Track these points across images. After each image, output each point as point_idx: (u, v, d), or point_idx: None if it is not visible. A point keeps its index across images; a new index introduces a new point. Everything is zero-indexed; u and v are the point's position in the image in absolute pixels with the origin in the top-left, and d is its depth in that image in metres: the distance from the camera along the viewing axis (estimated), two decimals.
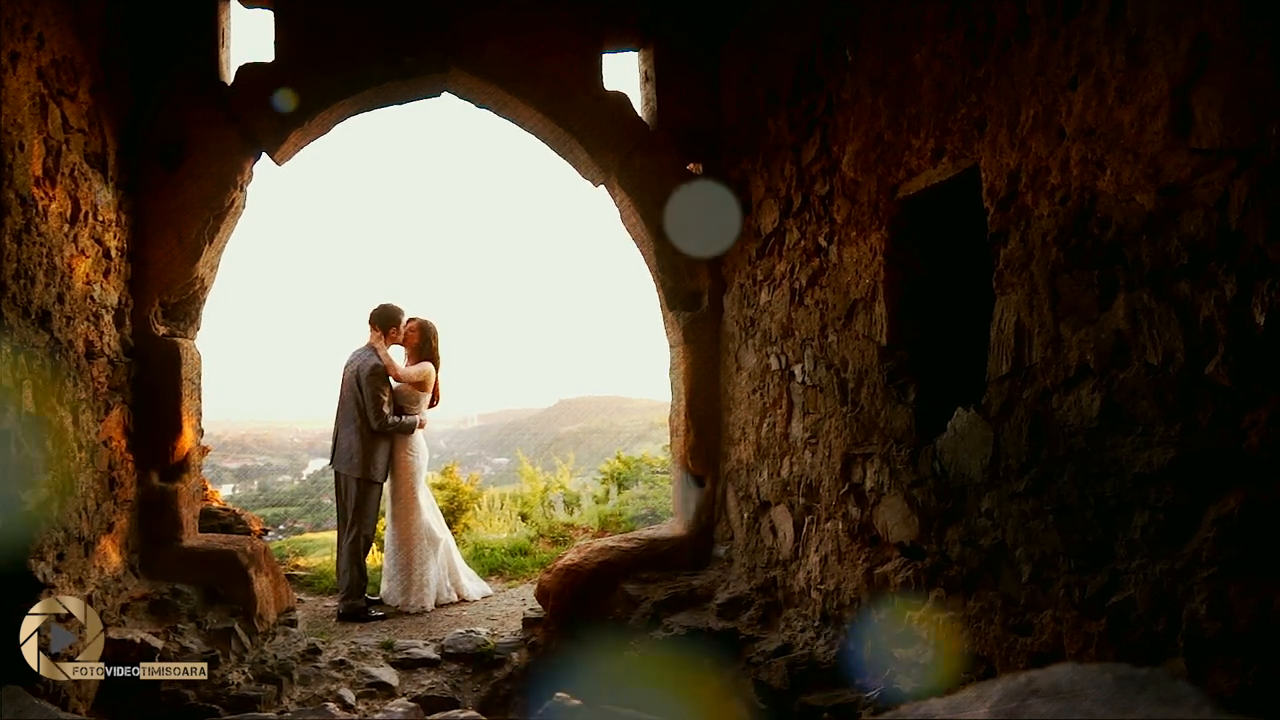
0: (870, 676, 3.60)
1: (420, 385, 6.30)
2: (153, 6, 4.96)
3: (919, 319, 3.62)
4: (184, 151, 4.98)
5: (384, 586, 6.23)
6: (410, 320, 6.41)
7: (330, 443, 6.49)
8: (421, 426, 6.38)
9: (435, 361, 6.40)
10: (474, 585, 6.47)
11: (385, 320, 6.28)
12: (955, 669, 3.07)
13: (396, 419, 6.13)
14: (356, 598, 5.93)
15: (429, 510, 6.27)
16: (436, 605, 6.12)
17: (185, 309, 5.14)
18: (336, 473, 6.26)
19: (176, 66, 5.02)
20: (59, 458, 3.83)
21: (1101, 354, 2.41)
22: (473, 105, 5.73)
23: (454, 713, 4.40)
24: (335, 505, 6.40)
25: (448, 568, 6.32)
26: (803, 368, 4.40)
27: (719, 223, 5.45)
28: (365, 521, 6.07)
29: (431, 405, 6.53)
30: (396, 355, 6.43)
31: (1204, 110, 2.05)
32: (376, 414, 6.01)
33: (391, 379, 6.23)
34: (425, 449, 6.41)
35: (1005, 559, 2.83)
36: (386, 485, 6.31)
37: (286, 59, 5.17)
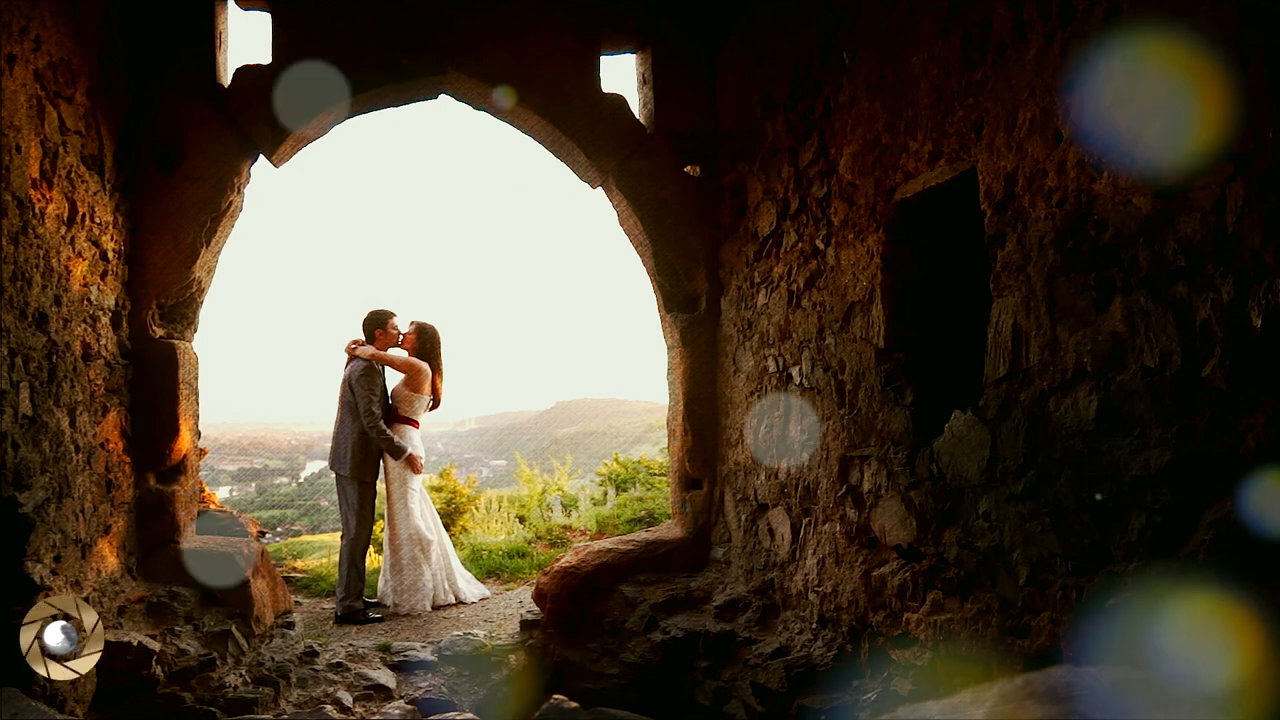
0: (867, 679, 3.60)
1: (412, 384, 6.25)
2: (150, 9, 4.95)
3: (916, 321, 3.62)
4: (181, 154, 4.97)
5: (380, 588, 6.24)
6: (411, 324, 6.42)
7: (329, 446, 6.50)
8: (416, 469, 6.24)
9: (435, 365, 6.37)
10: (471, 588, 6.46)
11: (369, 325, 6.33)
12: (952, 671, 3.07)
13: (388, 433, 6.07)
14: (354, 600, 5.93)
15: (419, 515, 6.24)
16: (434, 608, 6.12)
17: (182, 311, 5.13)
18: (336, 475, 6.26)
19: (174, 68, 5.02)
20: (56, 460, 3.83)
21: (1098, 356, 2.41)
22: (470, 107, 5.74)
23: (451, 715, 4.39)
24: (339, 508, 6.40)
25: (445, 570, 6.31)
26: (800, 370, 4.41)
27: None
28: (362, 523, 6.07)
29: (433, 408, 6.52)
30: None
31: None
32: (366, 413, 6.00)
33: (388, 371, 6.26)
34: (420, 452, 6.39)
35: (1002, 561, 2.83)
36: (381, 487, 6.32)
37: (284, 61, 5.17)
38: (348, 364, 6.27)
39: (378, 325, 6.29)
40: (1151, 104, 2.21)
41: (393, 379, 6.37)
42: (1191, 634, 2.04)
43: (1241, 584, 1.94)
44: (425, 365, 6.27)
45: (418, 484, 6.30)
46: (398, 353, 6.34)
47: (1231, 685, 1.71)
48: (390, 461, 6.16)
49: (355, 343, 6.28)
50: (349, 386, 6.12)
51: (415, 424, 6.31)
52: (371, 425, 6.00)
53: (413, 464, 6.18)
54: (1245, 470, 1.96)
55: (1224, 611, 1.95)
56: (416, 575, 6.10)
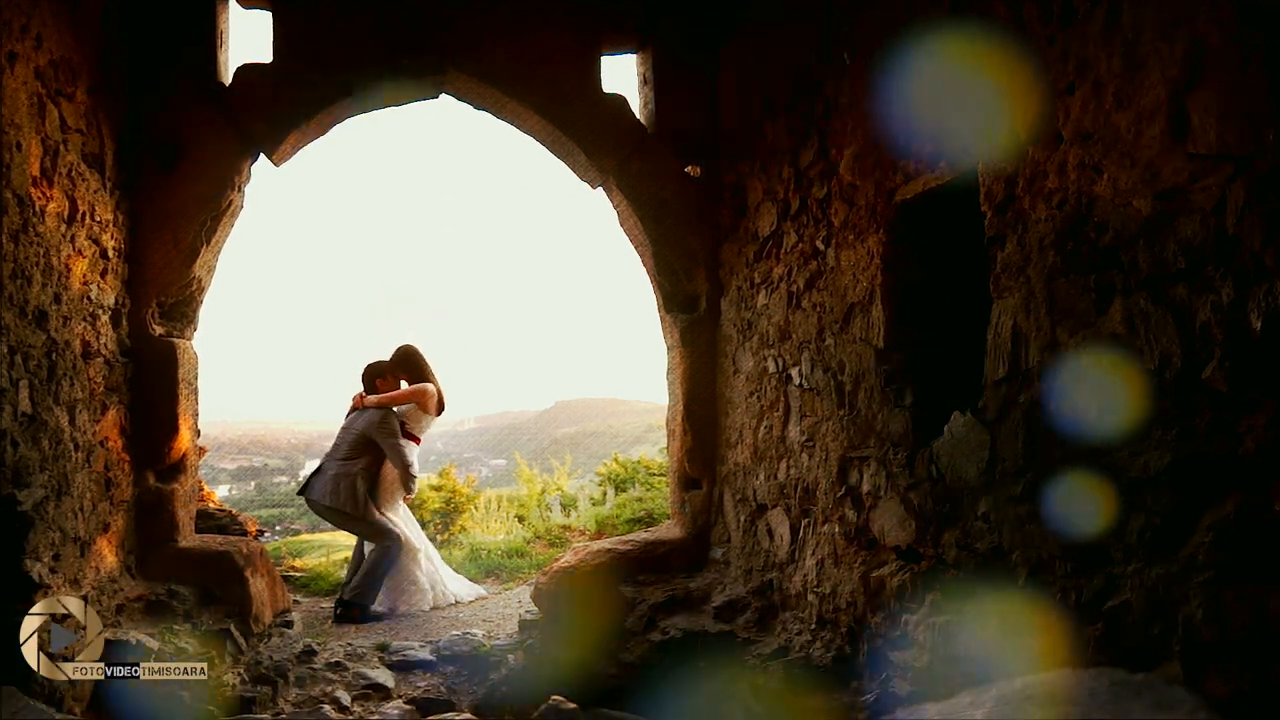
0: (866, 680, 3.60)
1: (423, 406, 6.38)
2: (151, 7, 4.95)
3: (916, 323, 3.62)
4: (181, 152, 4.97)
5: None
6: (393, 355, 6.55)
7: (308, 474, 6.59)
8: (408, 495, 6.48)
9: (430, 377, 6.50)
10: (465, 587, 6.53)
11: (368, 377, 6.54)
12: (951, 673, 3.06)
13: (415, 475, 6.33)
14: (362, 598, 5.95)
15: (403, 523, 6.37)
16: (433, 608, 6.15)
17: (182, 310, 5.13)
18: (332, 509, 6.24)
19: (175, 67, 5.02)
20: (55, 458, 3.82)
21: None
22: (470, 107, 5.74)
23: (449, 715, 4.39)
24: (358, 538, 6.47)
25: (435, 576, 6.38)
26: (800, 370, 4.41)
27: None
28: (395, 537, 6.10)
29: (440, 413, 6.62)
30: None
31: (1200, 115, 2.06)
32: (397, 456, 6.20)
33: (396, 411, 6.37)
34: (417, 467, 6.48)
35: (1002, 562, 2.83)
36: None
37: (285, 60, 5.17)
38: (351, 413, 6.41)
39: (378, 375, 6.53)
40: (1151, 105, 2.21)
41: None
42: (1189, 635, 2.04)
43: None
44: (429, 386, 6.38)
45: (398, 495, 6.43)
46: (399, 392, 6.49)
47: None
48: (386, 478, 6.27)
49: (360, 397, 6.40)
50: (363, 435, 6.21)
51: (418, 440, 6.42)
52: (405, 471, 6.22)
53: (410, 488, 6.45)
54: (1245, 472, 1.96)
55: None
56: (408, 577, 6.14)
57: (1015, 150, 2.76)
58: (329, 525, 7.22)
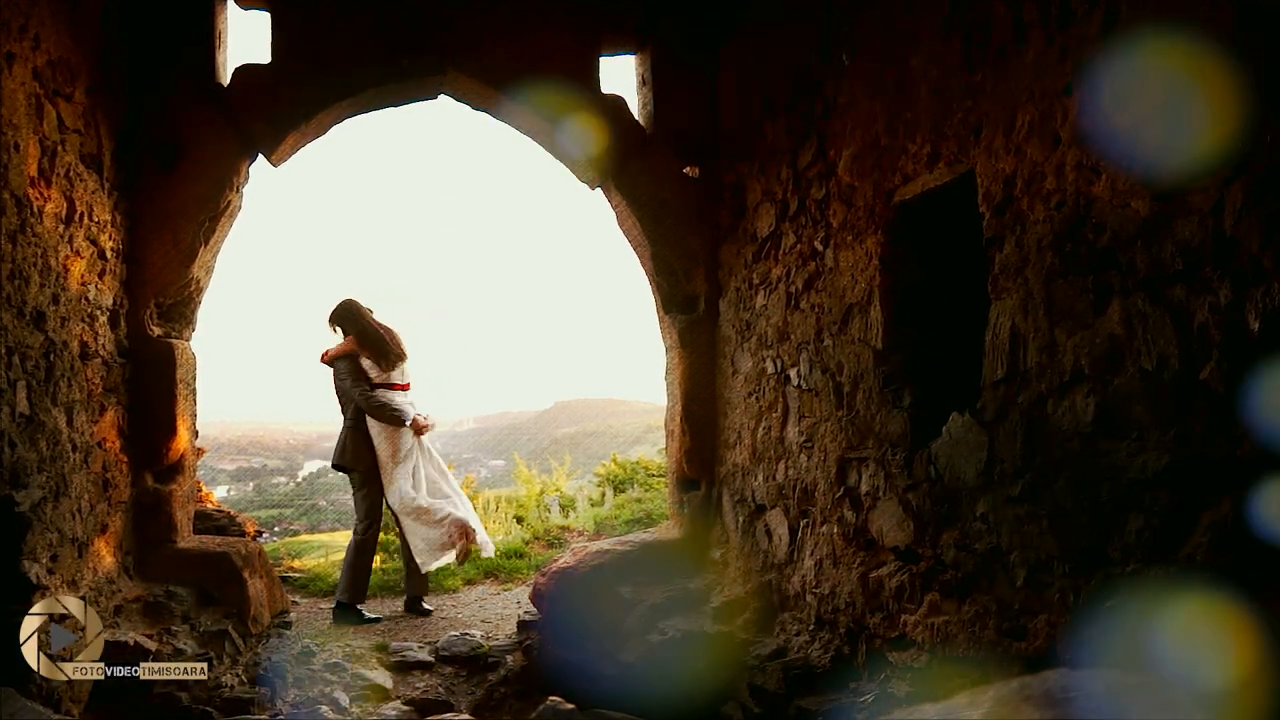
0: (865, 680, 3.60)
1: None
2: (150, 7, 4.95)
3: (914, 323, 3.62)
4: (180, 153, 4.97)
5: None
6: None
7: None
8: (420, 430, 6.28)
9: (362, 328, 6.20)
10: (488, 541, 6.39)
11: (331, 325, 6.39)
12: (949, 674, 3.07)
13: (386, 404, 6.05)
14: (347, 598, 5.92)
15: (405, 477, 6.12)
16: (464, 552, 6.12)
17: (181, 310, 5.13)
18: (343, 469, 6.21)
19: (173, 68, 5.01)
20: (53, 459, 3.82)
21: (1096, 359, 2.41)
22: (470, 107, 5.74)
23: (448, 715, 4.39)
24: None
25: (452, 525, 6.15)
26: (798, 371, 4.41)
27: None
28: (365, 520, 6.03)
29: (393, 364, 6.30)
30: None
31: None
32: (362, 396, 6.01)
33: (363, 366, 6.22)
34: (412, 411, 6.34)
35: (1000, 563, 2.83)
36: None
37: (283, 60, 5.17)
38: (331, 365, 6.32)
39: (333, 323, 6.36)
40: (1150, 107, 2.21)
41: None
42: (1188, 636, 2.04)
43: (1239, 586, 1.94)
44: (348, 341, 6.18)
45: (405, 449, 6.16)
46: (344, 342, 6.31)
47: (1226, 687, 1.71)
48: (375, 436, 6.08)
49: (325, 353, 6.35)
50: (341, 388, 6.16)
51: (397, 388, 6.22)
52: (369, 404, 5.98)
53: (418, 427, 6.16)
54: (1244, 472, 1.96)
55: (1220, 613, 1.95)
56: (420, 539, 6.01)
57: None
58: (327, 525, 7.15)
